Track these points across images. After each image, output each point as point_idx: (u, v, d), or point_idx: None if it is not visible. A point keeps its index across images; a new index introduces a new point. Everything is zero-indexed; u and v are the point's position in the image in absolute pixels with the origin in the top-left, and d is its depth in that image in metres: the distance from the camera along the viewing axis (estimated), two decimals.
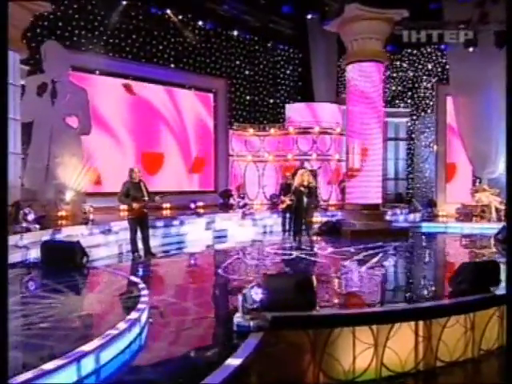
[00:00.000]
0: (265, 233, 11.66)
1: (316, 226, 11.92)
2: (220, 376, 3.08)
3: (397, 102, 19.52)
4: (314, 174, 14.73)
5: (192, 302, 4.96)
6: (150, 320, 4.27)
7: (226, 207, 14.74)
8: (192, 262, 7.74)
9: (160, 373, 3.22)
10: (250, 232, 11.39)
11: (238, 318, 4.03)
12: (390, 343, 5.13)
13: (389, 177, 18.34)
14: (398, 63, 19.63)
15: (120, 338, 3.50)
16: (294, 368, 4.84)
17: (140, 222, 8.02)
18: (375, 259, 7.62)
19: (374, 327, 5.06)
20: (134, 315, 3.92)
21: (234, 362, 3.28)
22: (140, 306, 4.20)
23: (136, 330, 3.85)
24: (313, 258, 7.88)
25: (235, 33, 14.55)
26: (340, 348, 5.00)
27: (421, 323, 5.30)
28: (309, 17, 13.34)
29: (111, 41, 14.13)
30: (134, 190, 7.95)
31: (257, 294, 4.18)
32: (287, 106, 17.13)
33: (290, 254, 8.23)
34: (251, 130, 16.68)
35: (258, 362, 4.03)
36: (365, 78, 11.38)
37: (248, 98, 17.60)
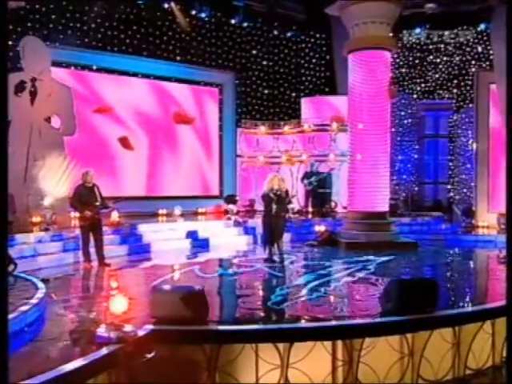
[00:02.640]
0: (255, 243, 12.02)
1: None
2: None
3: (440, 92, 19.22)
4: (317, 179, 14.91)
5: (86, 313, 5.45)
6: (26, 329, 4.85)
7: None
8: (138, 273, 8.27)
9: None
10: (239, 241, 11.78)
11: (100, 329, 4.49)
12: (301, 365, 5.38)
13: (426, 181, 18.06)
14: (442, 46, 19.33)
15: None
16: None
17: (93, 229, 8.70)
18: (339, 274, 7.81)
19: (281, 346, 5.33)
20: None
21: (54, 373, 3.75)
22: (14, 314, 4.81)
23: None
24: (272, 271, 8.19)
25: (234, 21, 15.00)
26: (241, 367, 5.32)
27: (339, 343, 5.50)
28: None
29: (109, 33, 15.14)
30: (86, 195, 8.62)
31: (121, 305, 4.61)
32: (303, 99, 17.37)
33: (252, 267, 8.59)
34: (263, 128, 17.07)
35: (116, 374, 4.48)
36: (368, 68, 11.47)
37: (266, 91, 18.01)
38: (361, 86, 11.54)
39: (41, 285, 6.01)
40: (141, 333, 4.72)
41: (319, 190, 14.65)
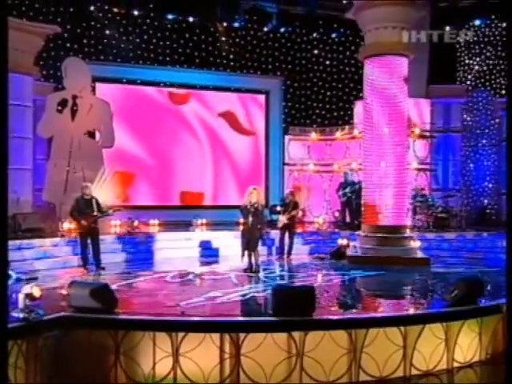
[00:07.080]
0: (270, 254, 13.98)
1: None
2: None
3: None
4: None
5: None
6: None
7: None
8: (117, 277, 10.72)
9: None
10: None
11: (15, 312, 6.92)
12: (192, 354, 7.38)
13: (505, 192, 18.40)
14: None
15: None
16: (97, 366, 7.50)
17: (90, 237, 11.40)
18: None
19: (174, 336, 7.40)
20: None
21: None
22: None
23: None
24: (234, 280, 10.30)
25: (267, 28, 17.03)
26: (141, 353, 7.49)
27: (227, 337, 7.39)
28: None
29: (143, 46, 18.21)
30: (84, 206, 11.39)
31: (36, 292, 6.99)
32: (357, 102, 18.79)
33: (224, 275, 10.71)
34: (314, 134, 18.83)
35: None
36: (384, 75, 12.81)
37: (315, 95, 19.82)
38: (374, 92, 12.93)
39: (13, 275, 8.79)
40: (48, 317, 7.10)
41: (356, 201, 15.80)
